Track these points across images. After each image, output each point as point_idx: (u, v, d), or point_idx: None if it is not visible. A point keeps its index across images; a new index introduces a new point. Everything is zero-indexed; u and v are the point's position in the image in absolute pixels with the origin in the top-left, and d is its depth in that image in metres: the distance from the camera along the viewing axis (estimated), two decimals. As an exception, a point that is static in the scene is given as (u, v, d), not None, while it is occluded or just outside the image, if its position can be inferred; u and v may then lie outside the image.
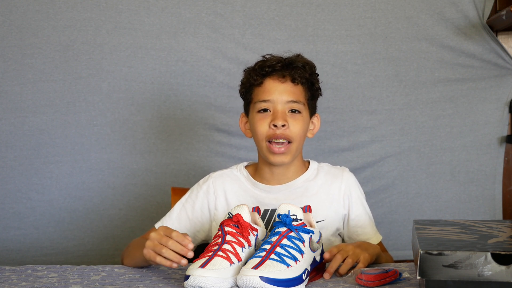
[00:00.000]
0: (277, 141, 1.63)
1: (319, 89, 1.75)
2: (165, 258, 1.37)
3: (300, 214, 1.38)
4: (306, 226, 1.37)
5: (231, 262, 1.30)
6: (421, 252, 1.15)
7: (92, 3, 2.40)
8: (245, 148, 2.41)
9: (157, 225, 1.74)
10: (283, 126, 1.62)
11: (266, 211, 1.67)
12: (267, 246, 1.32)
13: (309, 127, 1.73)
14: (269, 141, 1.64)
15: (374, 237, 1.71)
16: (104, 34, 2.41)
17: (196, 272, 1.26)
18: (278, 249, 1.31)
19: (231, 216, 1.40)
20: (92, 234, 2.47)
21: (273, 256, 1.29)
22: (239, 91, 1.75)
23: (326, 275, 1.40)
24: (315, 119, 1.75)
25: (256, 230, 1.40)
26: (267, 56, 1.70)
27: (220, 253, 1.31)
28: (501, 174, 2.47)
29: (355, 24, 2.44)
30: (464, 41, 2.42)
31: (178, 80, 2.44)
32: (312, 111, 1.73)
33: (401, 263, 1.50)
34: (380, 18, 2.43)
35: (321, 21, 2.44)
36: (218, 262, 1.29)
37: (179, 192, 1.90)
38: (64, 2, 2.40)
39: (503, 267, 1.13)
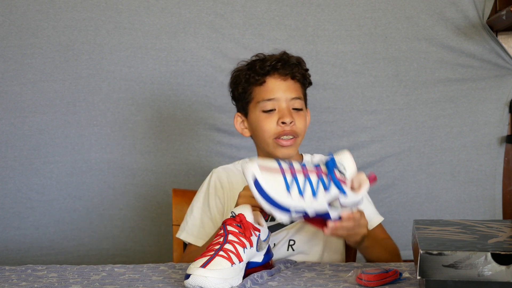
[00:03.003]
0: (286, 137, 1.66)
1: (311, 83, 1.78)
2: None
3: (349, 173, 1.33)
4: (344, 183, 1.32)
5: (232, 263, 1.30)
6: (421, 252, 1.15)
7: (92, 3, 2.40)
8: (245, 148, 2.41)
9: (179, 235, 1.75)
10: (291, 123, 1.66)
11: None
12: (299, 168, 1.31)
13: None
14: (276, 138, 1.67)
15: (375, 219, 1.72)
16: (104, 34, 2.41)
17: (196, 272, 1.26)
18: (300, 177, 1.29)
19: (234, 215, 1.40)
20: (92, 234, 2.47)
21: (297, 178, 1.28)
22: (233, 92, 1.76)
23: (326, 231, 1.38)
24: (307, 113, 1.78)
25: (259, 231, 1.40)
26: (260, 56, 1.73)
27: (221, 253, 1.31)
28: (501, 174, 2.47)
29: (355, 24, 2.44)
30: (464, 41, 2.42)
31: (178, 80, 2.44)
32: (306, 105, 1.77)
33: (401, 263, 1.50)
34: (380, 18, 2.43)
35: (321, 21, 2.44)
36: (219, 262, 1.29)
37: (180, 193, 1.90)
38: (64, 2, 2.40)
39: (503, 267, 1.13)
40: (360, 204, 1.38)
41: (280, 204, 1.27)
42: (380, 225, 1.74)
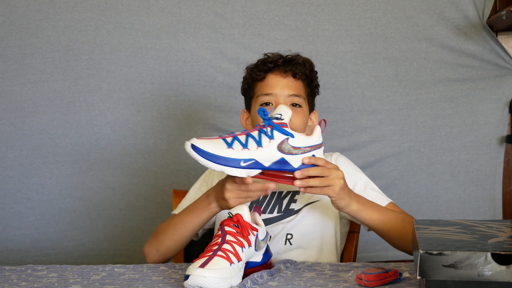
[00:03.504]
0: None
1: (318, 85, 1.79)
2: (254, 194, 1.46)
3: (287, 117, 1.37)
4: (286, 126, 1.35)
5: (231, 262, 1.30)
6: (421, 252, 1.15)
7: (92, 3, 2.40)
8: (245, 148, 2.41)
9: (175, 212, 1.76)
10: None
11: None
12: (241, 132, 1.36)
13: (307, 123, 1.75)
14: None
15: (382, 202, 1.67)
16: (104, 34, 2.41)
17: (195, 272, 1.26)
18: (241, 136, 1.33)
19: (231, 216, 1.40)
20: (92, 234, 2.47)
21: (238, 137, 1.32)
22: (241, 87, 1.79)
23: (296, 182, 1.40)
24: (313, 115, 1.79)
25: (256, 230, 1.40)
26: (269, 54, 1.75)
27: (220, 253, 1.31)
28: (501, 174, 2.47)
29: (355, 24, 2.44)
30: (464, 41, 2.42)
31: (178, 80, 2.44)
32: (311, 107, 1.77)
33: (401, 263, 1.50)
34: (380, 18, 2.44)
35: (321, 21, 2.44)
36: (218, 262, 1.29)
37: (181, 194, 1.90)
38: (64, 2, 2.40)
39: (503, 267, 1.13)
40: (321, 149, 1.41)
41: (224, 157, 1.29)
42: (391, 204, 1.69)
